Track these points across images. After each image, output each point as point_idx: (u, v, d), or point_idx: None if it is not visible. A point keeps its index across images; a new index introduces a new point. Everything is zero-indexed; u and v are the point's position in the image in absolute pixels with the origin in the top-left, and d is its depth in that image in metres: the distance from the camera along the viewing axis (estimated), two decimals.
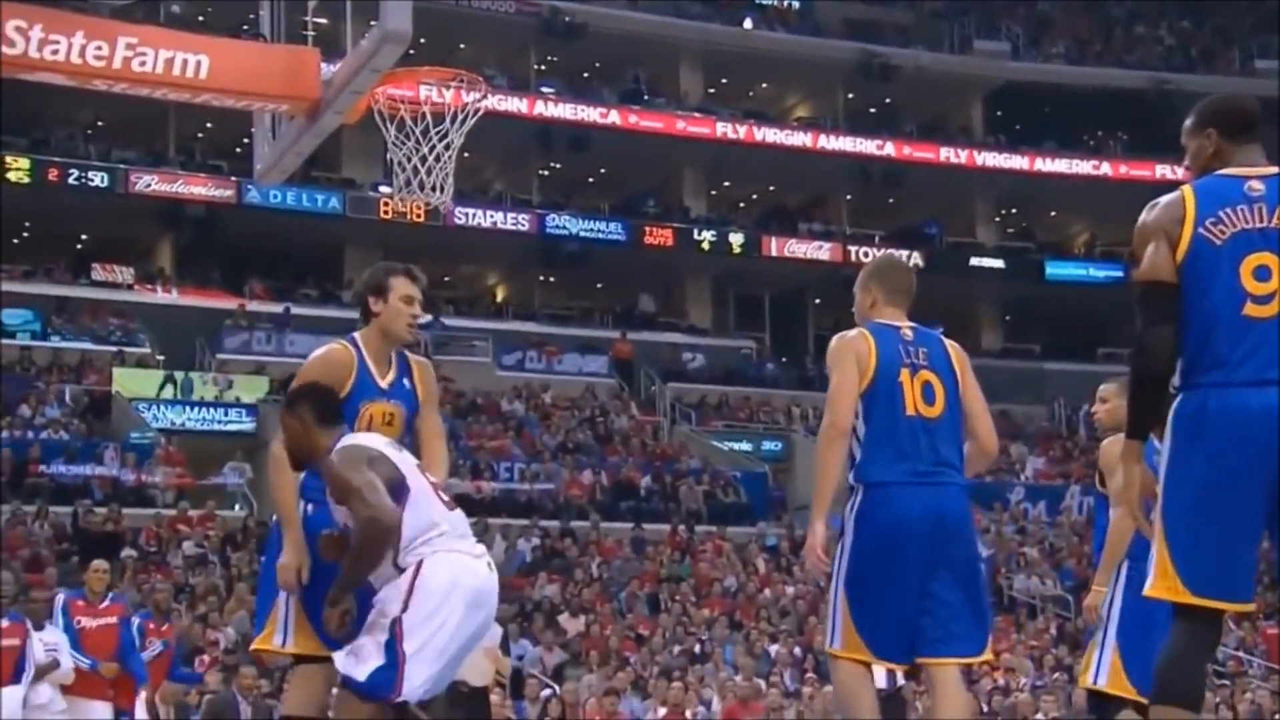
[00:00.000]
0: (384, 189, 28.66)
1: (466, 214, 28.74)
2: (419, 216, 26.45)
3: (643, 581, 19.83)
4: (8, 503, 18.71)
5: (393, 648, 4.42)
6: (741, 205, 34.39)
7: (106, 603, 9.77)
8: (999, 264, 32.86)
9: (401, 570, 4.48)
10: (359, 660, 4.44)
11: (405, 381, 4.89)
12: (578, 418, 26.54)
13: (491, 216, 29.60)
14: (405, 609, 4.44)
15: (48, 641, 9.25)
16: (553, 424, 25.96)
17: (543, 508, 22.40)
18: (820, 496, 4.54)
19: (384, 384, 4.83)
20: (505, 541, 20.34)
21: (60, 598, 9.86)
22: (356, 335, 4.91)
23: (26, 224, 29.03)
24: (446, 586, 4.46)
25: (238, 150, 28.21)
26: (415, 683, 4.42)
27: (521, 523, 21.36)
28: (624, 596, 19.19)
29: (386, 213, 27.86)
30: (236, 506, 20.83)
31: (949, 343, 4.80)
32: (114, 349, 25.11)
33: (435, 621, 4.44)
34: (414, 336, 4.93)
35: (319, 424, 4.51)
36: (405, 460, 4.59)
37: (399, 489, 4.47)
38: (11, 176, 26.05)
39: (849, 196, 33.39)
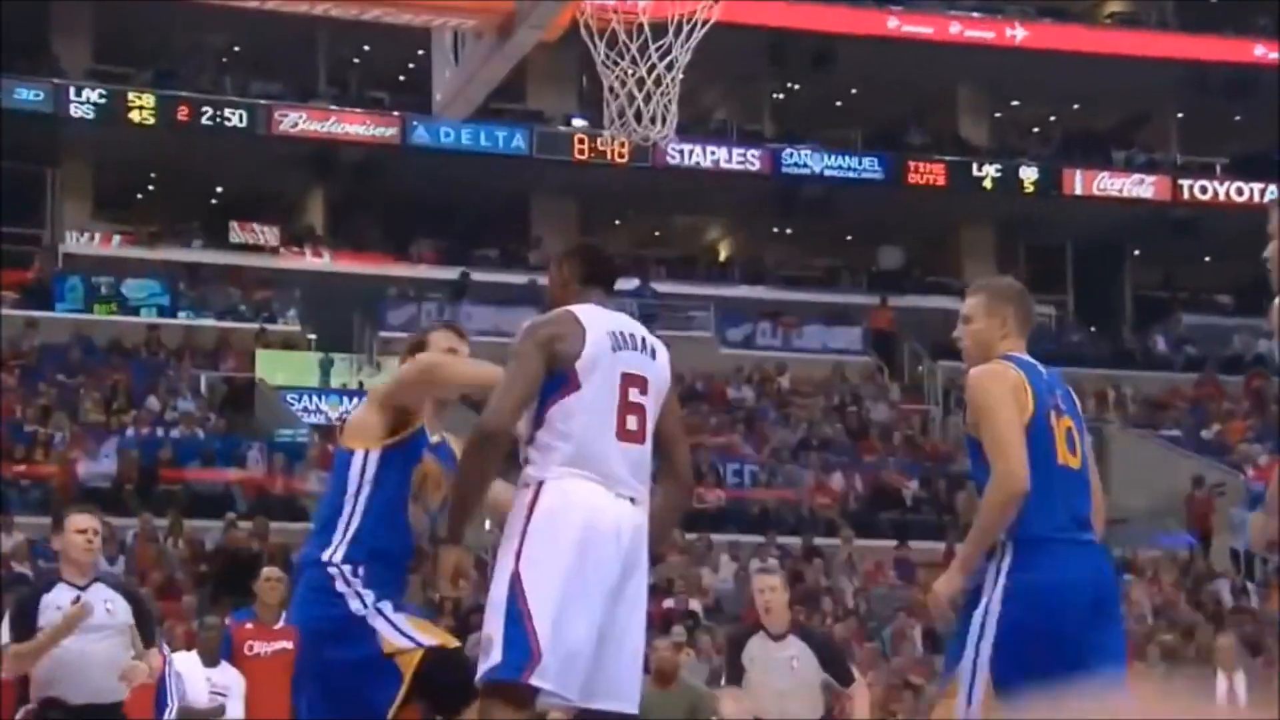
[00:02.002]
0: (578, 122, 29.10)
1: (681, 151, 28.94)
2: (622, 156, 26.77)
3: (912, 613, 19.76)
4: (136, 515, 19.63)
5: (515, 607, 4.59)
6: (1035, 131, 33.76)
7: (282, 623, 9.33)
8: None
9: (524, 486, 4.71)
10: (486, 652, 4.61)
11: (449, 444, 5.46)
12: (824, 406, 26.52)
13: (713, 153, 29.74)
14: (521, 548, 4.62)
15: (217, 683, 9.30)
16: (792, 415, 26.01)
17: (781, 521, 22.48)
18: (976, 553, 5.02)
19: (434, 438, 5.40)
20: (735, 563, 20.49)
21: (225, 623, 9.83)
22: None
23: (151, 175, 30.42)
24: (559, 521, 4.63)
25: (401, 79, 29.04)
26: (551, 658, 4.54)
27: (754, 539, 21.48)
28: (888, 634, 19.16)
29: (582, 152, 28.29)
30: None
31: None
32: (256, 326, 26.13)
33: (554, 565, 4.59)
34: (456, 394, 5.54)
35: (581, 281, 4.96)
36: (611, 359, 4.76)
37: (560, 378, 4.71)
38: (134, 117, 27.25)
39: (1180, 114, 32.49)
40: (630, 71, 7.65)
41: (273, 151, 28.44)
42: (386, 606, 5.12)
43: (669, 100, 7.70)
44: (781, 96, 32.39)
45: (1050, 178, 30.80)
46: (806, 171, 30.19)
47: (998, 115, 33.10)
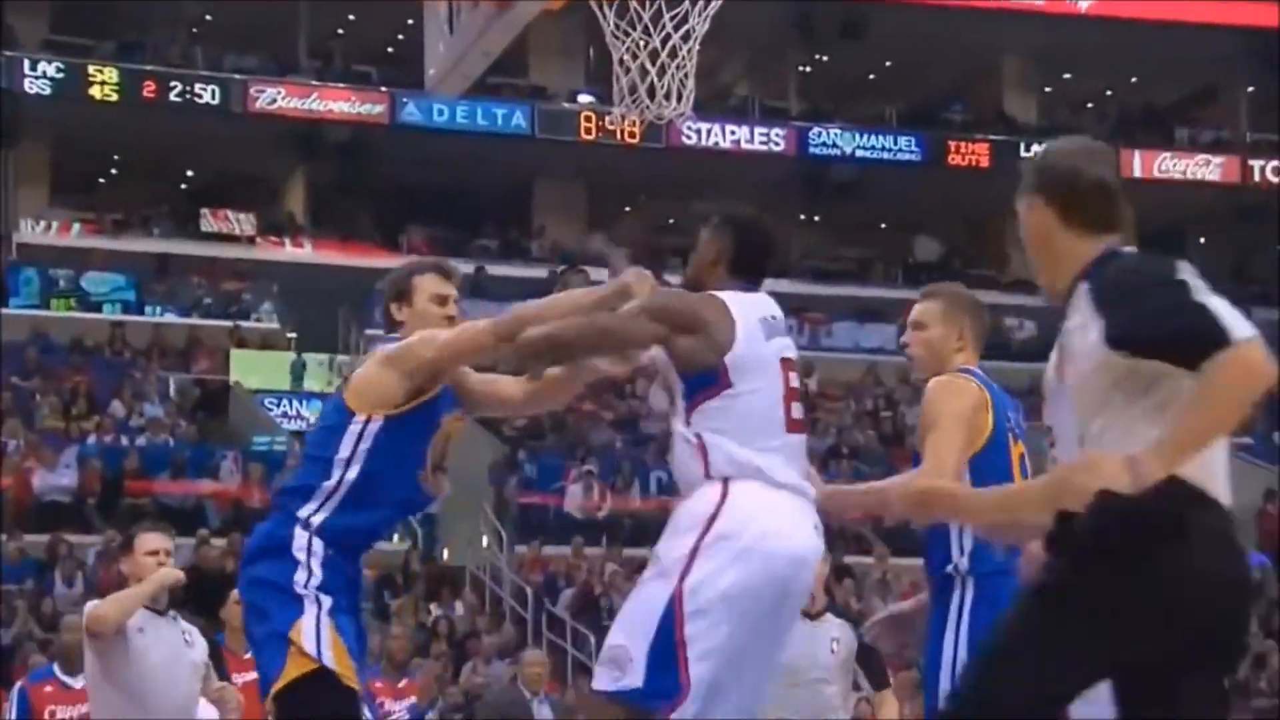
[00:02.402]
0: (585, 99, 29.07)
1: (699, 131, 28.95)
2: (633, 137, 26.74)
3: None
4: (98, 532, 19.64)
5: (670, 633, 4.51)
6: (1089, 106, 33.73)
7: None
8: None
9: (703, 477, 4.61)
10: (619, 665, 4.53)
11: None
12: (855, 410, 26.49)
13: (733, 133, 29.75)
14: (691, 564, 4.53)
15: None
16: (820, 420, 25.98)
17: None
18: (866, 506, 5.60)
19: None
20: None
21: None
22: None
23: (115, 157, 30.44)
24: (745, 547, 4.54)
25: (390, 51, 29.03)
26: (696, 702, 4.49)
27: None
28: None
29: (589, 132, 28.29)
30: (395, 537, 21.49)
31: None
32: (230, 324, 26.14)
33: (733, 603, 4.51)
34: None
35: (732, 268, 4.86)
36: (766, 348, 4.72)
37: (708, 375, 4.64)
38: (95, 93, 27.28)
39: (1250, 88, 32.44)
40: (642, 43, 7.64)
41: (249, 131, 28.44)
42: (326, 602, 5.10)
43: (685, 74, 7.69)
44: (808, 70, 32.35)
45: None
46: (836, 152, 30.19)
47: (1048, 90, 33.05)
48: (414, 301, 5.36)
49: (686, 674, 4.48)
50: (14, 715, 9.25)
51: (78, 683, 9.44)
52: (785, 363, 4.77)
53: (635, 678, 4.51)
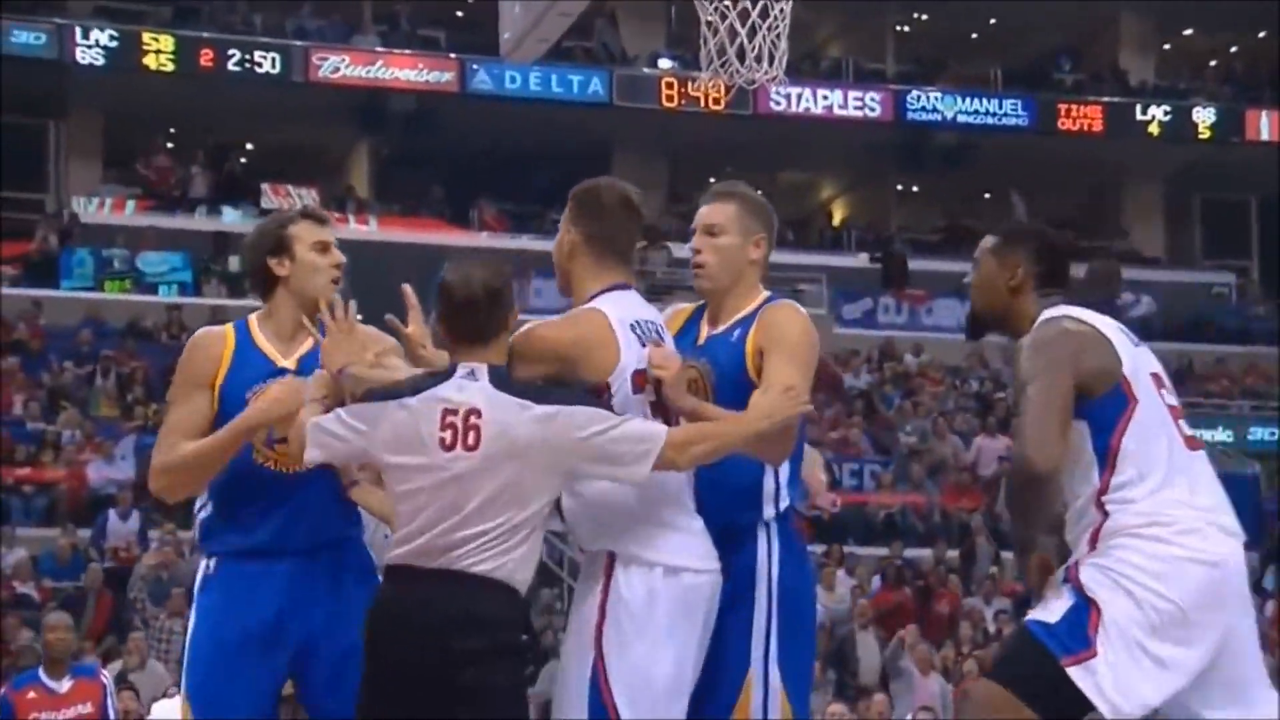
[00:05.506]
0: (666, 63, 29.09)
1: (789, 96, 28.91)
2: (717, 103, 26.69)
3: None
4: (157, 526, 19.79)
5: (1083, 603, 4.51)
6: (1212, 64, 33.44)
7: None
8: None
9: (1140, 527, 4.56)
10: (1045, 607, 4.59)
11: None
12: (960, 393, 26.41)
13: (825, 98, 29.68)
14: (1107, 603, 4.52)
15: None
16: (922, 403, 25.92)
17: (909, 530, 22.42)
18: None
19: (287, 361, 5.31)
20: (853, 579, 20.49)
21: None
22: (252, 316, 5.47)
23: (170, 130, 30.71)
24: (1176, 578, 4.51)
25: (459, 14, 29.15)
26: (1127, 687, 4.44)
27: (878, 552, 21.44)
28: None
29: (671, 99, 28.29)
30: None
31: None
32: None
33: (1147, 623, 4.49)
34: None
35: (1037, 283, 4.96)
36: (1139, 356, 4.68)
37: (1111, 398, 4.61)
38: (150, 62, 27.52)
39: None
40: (731, 1, 7.62)
41: (310, 101, 28.66)
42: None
43: (778, 34, 7.66)
44: (906, 28, 32.25)
45: (1231, 120, 30.47)
46: (937, 118, 30.08)
47: (1167, 46, 32.79)
48: (295, 253, 5.34)
49: (1094, 636, 4.50)
50: None
51: (63, 686, 9.50)
52: (1154, 377, 4.76)
53: (1052, 615, 4.57)
